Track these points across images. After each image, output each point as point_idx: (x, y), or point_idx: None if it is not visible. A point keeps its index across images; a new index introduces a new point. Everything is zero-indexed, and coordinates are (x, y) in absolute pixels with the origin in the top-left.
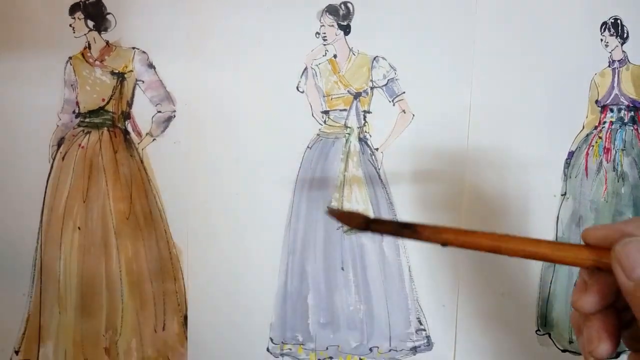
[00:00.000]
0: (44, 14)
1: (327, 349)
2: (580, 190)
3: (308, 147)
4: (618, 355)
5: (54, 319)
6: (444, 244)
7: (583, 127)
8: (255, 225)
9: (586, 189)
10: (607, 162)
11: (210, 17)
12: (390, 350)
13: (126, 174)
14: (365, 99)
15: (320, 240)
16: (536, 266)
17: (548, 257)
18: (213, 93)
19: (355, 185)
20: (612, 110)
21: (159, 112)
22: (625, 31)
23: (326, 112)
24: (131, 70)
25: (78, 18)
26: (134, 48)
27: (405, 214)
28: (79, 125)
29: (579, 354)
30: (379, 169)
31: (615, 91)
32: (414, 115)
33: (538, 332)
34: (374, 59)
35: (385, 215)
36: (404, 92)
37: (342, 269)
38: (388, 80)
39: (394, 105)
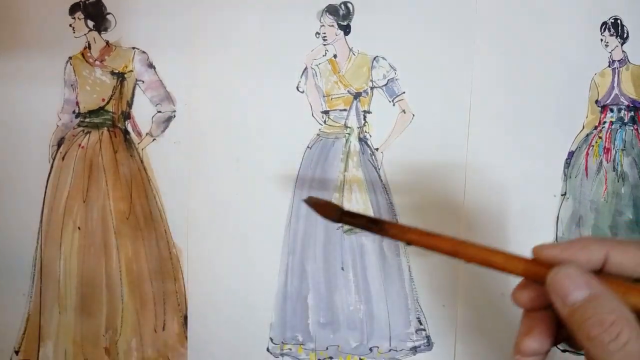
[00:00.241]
0: (44, 14)
1: (327, 349)
2: (580, 190)
3: (308, 147)
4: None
5: (54, 319)
6: (409, 243)
7: (583, 127)
8: (255, 225)
9: (586, 189)
10: (607, 162)
11: (210, 17)
12: (390, 350)
13: (126, 174)
14: (365, 99)
15: (320, 240)
16: None
17: (499, 266)
18: (213, 93)
19: (355, 185)
20: (612, 110)
21: (159, 112)
22: (625, 31)
23: (326, 112)
24: (131, 70)
25: (78, 18)
26: (134, 48)
27: (405, 214)
28: (79, 125)
29: (580, 354)
30: (379, 169)
31: (615, 91)
32: (414, 115)
33: None
34: (374, 59)
35: (386, 215)
36: (404, 92)
37: (342, 269)
38: (388, 80)
39: (394, 105)
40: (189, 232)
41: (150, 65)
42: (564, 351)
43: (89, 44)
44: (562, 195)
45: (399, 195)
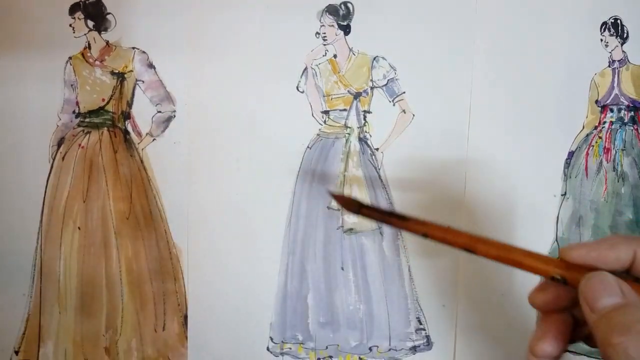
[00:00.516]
0: (44, 14)
1: (326, 348)
2: (580, 190)
3: (308, 147)
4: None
5: (54, 319)
6: (425, 235)
7: (583, 127)
8: (255, 225)
9: (586, 189)
10: (607, 162)
11: (210, 17)
12: (389, 350)
13: (126, 174)
14: (365, 99)
15: (320, 240)
16: None
17: (518, 263)
18: (213, 93)
19: (355, 185)
20: (612, 110)
21: (159, 112)
22: (625, 31)
23: (326, 112)
24: (131, 70)
25: (78, 18)
26: (134, 48)
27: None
28: (79, 125)
29: (580, 354)
30: (379, 169)
31: (615, 91)
32: (414, 115)
33: None
34: (374, 59)
35: None
36: (404, 92)
37: (342, 268)
38: (388, 80)
39: (394, 105)
40: (189, 232)
41: (150, 65)
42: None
43: (89, 44)
44: (562, 195)
45: (399, 195)
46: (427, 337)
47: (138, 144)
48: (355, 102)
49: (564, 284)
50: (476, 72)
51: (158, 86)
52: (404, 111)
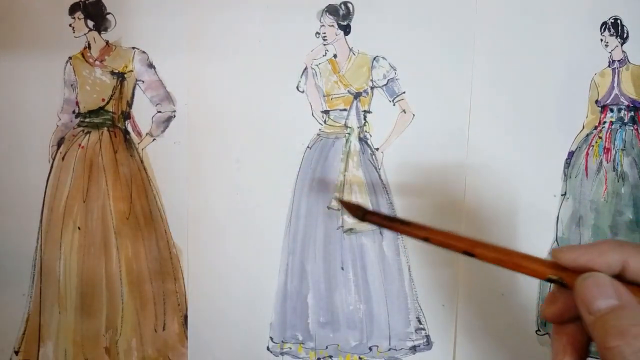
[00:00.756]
0: (44, 13)
1: (326, 347)
2: (580, 190)
3: (308, 147)
4: None
5: (54, 319)
6: (426, 239)
7: (583, 127)
8: (255, 225)
9: (586, 189)
10: (607, 162)
11: (210, 17)
12: (389, 350)
13: (126, 174)
14: (366, 99)
15: (320, 240)
16: None
17: (516, 265)
18: (213, 93)
19: (355, 185)
20: (612, 110)
21: (159, 112)
22: (625, 31)
23: (326, 112)
24: (131, 70)
25: (78, 18)
26: (134, 48)
27: (405, 214)
28: (79, 125)
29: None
30: (379, 169)
31: (615, 91)
32: (414, 115)
33: (538, 332)
34: (374, 58)
35: None
36: (404, 92)
37: (342, 268)
38: (388, 80)
39: (394, 105)
40: (189, 232)
41: (150, 65)
42: None
43: (89, 44)
44: (562, 195)
45: (399, 195)
46: (427, 336)
47: (138, 144)
48: (355, 102)
49: (562, 286)
50: (476, 72)
51: (158, 86)
52: (404, 111)
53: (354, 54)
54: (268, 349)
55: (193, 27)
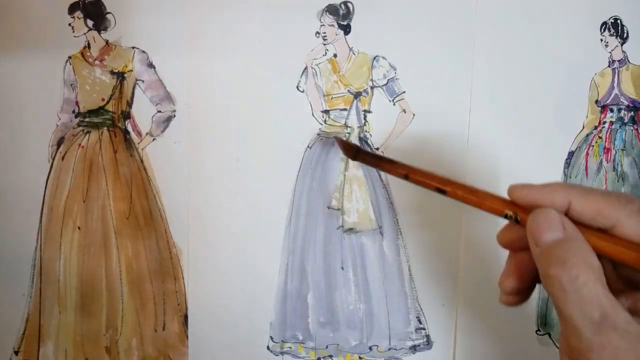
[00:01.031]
0: (43, 13)
1: (326, 347)
2: None
3: (308, 146)
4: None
5: (54, 319)
6: (406, 176)
7: (583, 127)
8: (255, 225)
9: None
10: (607, 162)
11: (210, 16)
12: (389, 349)
13: (126, 173)
14: (366, 99)
15: (320, 239)
16: None
17: (479, 203)
18: (213, 93)
19: (355, 185)
20: (612, 110)
21: (159, 111)
22: (625, 31)
23: (326, 112)
24: (131, 70)
25: (77, 17)
26: (133, 48)
27: (405, 213)
28: (78, 125)
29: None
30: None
31: (615, 91)
32: (414, 115)
33: (538, 332)
34: (374, 58)
35: (386, 215)
36: (404, 92)
37: (342, 268)
38: (388, 79)
39: (394, 104)
40: (189, 232)
41: (150, 65)
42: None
43: (89, 44)
44: None
45: (399, 195)
46: (427, 336)
47: (138, 143)
48: (355, 101)
49: (516, 222)
50: (476, 72)
51: (158, 86)
52: (404, 111)
53: (354, 54)
54: (268, 348)
55: (193, 27)
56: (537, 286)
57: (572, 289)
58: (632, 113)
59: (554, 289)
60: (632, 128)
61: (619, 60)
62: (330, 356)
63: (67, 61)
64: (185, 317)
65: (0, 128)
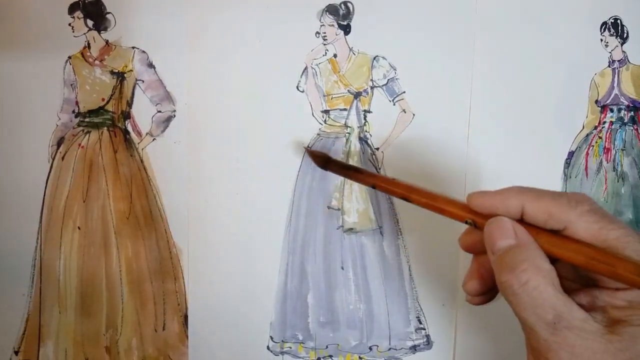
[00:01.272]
0: (43, 13)
1: (327, 347)
2: (580, 190)
3: (308, 147)
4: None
5: (54, 319)
6: (374, 186)
7: (583, 127)
8: (255, 225)
9: (586, 189)
10: (607, 162)
11: (210, 16)
12: (389, 349)
13: (126, 173)
14: (366, 99)
15: (320, 239)
16: None
17: (441, 209)
18: (213, 93)
19: (355, 185)
20: (612, 110)
21: (159, 111)
22: (625, 31)
23: (326, 112)
24: (131, 70)
25: (77, 17)
26: (133, 48)
27: (405, 213)
28: (78, 125)
29: None
30: (379, 169)
31: (615, 91)
32: (414, 115)
33: None
34: (374, 58)
35: (387, 215)
36: (404, 92)
37: (342, 268)
38: (388, 79)
39: (394, 104)
40: (189, 232)
41: (150, 65)
42: None
43: (89, 44)
44: None
45: None
46: (427, 336)
47: (138, 143)
48: (355, 101)
49: (476, 228)
50: (476, 72)
51: (158, 86)
52: (404, 111)
53: (354, 54)
54: (268, 348)
55: (193, 27)
56: None
57: (524, 293)
58: (632, 113)
59: (507, 294)
60: (632, 128)
61: (619, 60)
62: (330, 356)
63: (67, 61)
64: (185, 317)
65: (0, 128)
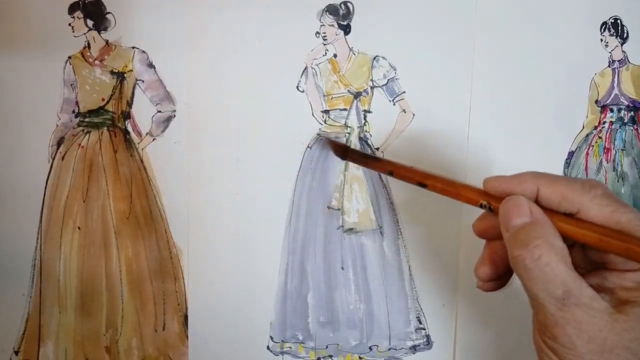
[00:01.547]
0: (43, 13)
1: (327, 347)
2: None
3: (308, 146)
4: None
5: (54, 319)
6: (391, 173)
7: (583, 127)
8: (255, 225)
9: None
10: (607, 162)
11: (210, 16)
12: (389, 349)
13: (126, 173)
14: (366, 99)
15: (320, 239)
16: None
17: (457, 194)
18: (213, 93)
19: (355, 185)
20: (612, 110)
21: (159, 111)
22: (625, 31)
23: (326, 112)
24: (131, 70)
25: (77, 17)
26: (133, 48)
27: (405, 213)
28: (78, 125)
29: None
30: None
31: (615, 91)
32: (414, 115)
33: None
34: (374, 58)
35: (387, 215)
36: (404, 92)
37: (342, 268)
38: (388, 79)
39: (394, 104)
40: (189, 232)
41: (150, 65)
42: None
43: (89, 44)
44: None
45: (399, 195)
46: (427, 336)
47: (138, 143)
48: (355, 101)
49: (490, 210)
50: (476, 72)
51: (158, 86)
52: (404, 111)
53: (354, 54)
54: (268, 348)
55: (193, 27)
56: None
57: (536, 268)
58: (632, 113)
59: (518, 268)
60: (632, 128)
61: (619, 60)
62: (330, 356)
63: (67, 61)
64: (185, 317)
65: (0, 128)
